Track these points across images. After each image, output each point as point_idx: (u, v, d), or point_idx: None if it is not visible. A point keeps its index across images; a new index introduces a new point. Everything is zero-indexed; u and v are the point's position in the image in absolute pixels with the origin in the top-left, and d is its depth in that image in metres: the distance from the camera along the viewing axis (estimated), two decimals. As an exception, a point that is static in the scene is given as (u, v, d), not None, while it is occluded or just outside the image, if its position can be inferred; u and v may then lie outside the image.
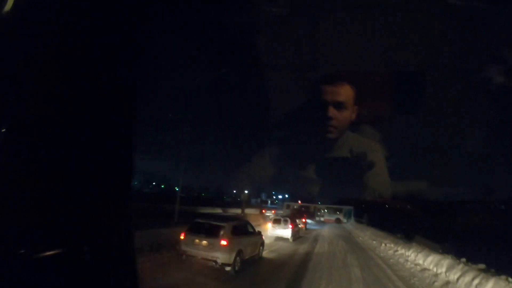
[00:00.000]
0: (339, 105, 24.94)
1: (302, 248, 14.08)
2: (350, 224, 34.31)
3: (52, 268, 1.19)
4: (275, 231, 15.57)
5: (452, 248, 14.28)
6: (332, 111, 25.29)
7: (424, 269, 9.80)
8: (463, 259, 8.76)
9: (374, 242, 17.09)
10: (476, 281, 7.24)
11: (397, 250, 13.32)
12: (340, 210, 40.66)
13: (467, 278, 7.64)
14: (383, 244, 15.43)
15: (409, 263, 11.10)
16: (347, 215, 39.70)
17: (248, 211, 37.76)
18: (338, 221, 38.58)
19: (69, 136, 1.30)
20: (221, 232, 7.68)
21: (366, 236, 20.03)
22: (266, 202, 53.58)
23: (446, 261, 9.06)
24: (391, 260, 12.18)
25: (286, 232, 15.46)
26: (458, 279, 7.90)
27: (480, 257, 9.28)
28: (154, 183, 62.46)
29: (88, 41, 1.37)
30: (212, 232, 7.72)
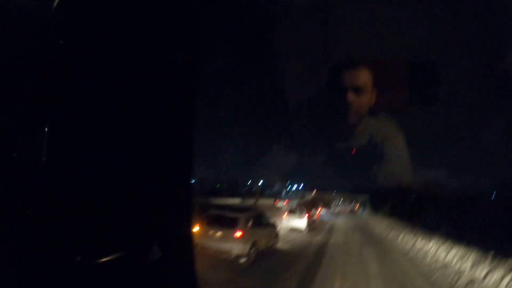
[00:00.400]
0: (358, 90, 25.01)
1: (317, 239, 13.66)
2: (366, 214, 33.59)
3: (114, 272, 1.15)
4: (290, 222, 15.35)
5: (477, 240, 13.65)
6: (351, 96, 25.50)
7: (446, 265, 9.16)
8: (491, 252, 8.06)
9: (391, 234, 16.44)
10: (507, 279, 6.60)
11: (415, 244, 12.67)
12: (356, 200, 39.93)
13: (496, 275, 7.00)
14: (400, 237, 14.78)
15: (429, 258, 10.46)
16: (363, 205, 38.94)
17: (261, 202, 37.53)
18: (353, 210, 37.88)
19: (128, 135, 1.27)
20: (236, 224, 7.60)
21: (383, 227, 19.37)
22: (281, 193, 53.16)
23: (471, 256, 8.39)
24: (409, 255, 11.57)
25: (301, 223, 15.23)
26: (485, 276, 7.26)
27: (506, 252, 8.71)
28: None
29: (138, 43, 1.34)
30: (226, 224, 7.63)
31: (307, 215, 15.44)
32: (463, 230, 17.75)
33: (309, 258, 9.57)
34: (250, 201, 34.01)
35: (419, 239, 12.79)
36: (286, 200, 35.37)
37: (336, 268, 8.50)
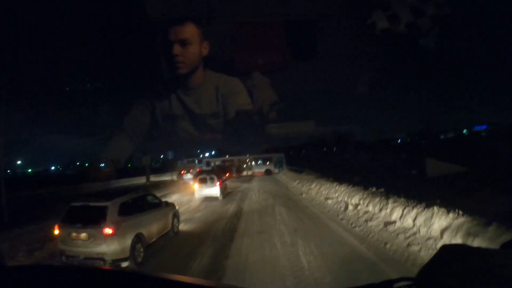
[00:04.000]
0: (183, 42, 27.25)
1: (229, 212, 10.86)
2: (283, 174, 28.65)
3: None
4: (203, 192, 14.59)
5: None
6: (177, 49, 27.20)
7: None
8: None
9: (330, 201, 10.74)
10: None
11: (391, 222, 6.88)
12: (270, 160, 34.90)
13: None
14: (350, 206, 9.06)
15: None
16: (278, 164, 34.12)
17: (160, 177, 31.26)
18: (268, 172, 32.87)
19: None
20: (103, 216, 5.53)
21: (313, 191, 13.75)
22: (193, 162, 47.17)
23: None
24: (393, 248, 5.70)
25: (214, 190, 14.49)
26: None
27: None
28: (78, 163, 58.98)
29: None
30: (91, 218, 5.59)
31: (219, 182, 14.60)
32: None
33: (217, 243, 6.91)
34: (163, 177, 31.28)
35: (388, 207, 7.13)
36: (191, 170, 29.05)
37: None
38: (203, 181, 14.68)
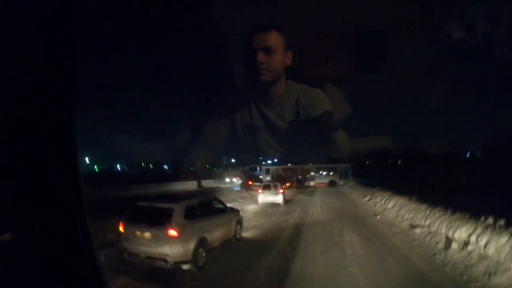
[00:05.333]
0: (268, 50, 26.75)
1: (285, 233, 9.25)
2: (349, 187, 25.70)
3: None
4: (267, 198, 15.50)
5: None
6: (261, 56, 26.54)
7: None
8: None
9: (418, 231, 8.08)
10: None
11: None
12: (334, 170, 32.06)
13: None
14: (454, 244, 6.42)
15: None
16: (344, 176, 31.09)
17: (217, 183, 30.19)
18: (332, 183, 30.08)
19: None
20: (169, 218, 5.60)
21: (390, 212, 11.04)
22: (255, 169, 46.41)
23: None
24: None
25: (277, 198, 15.42)
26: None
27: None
28: (142, 164, 59.14)
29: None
30: (156, 219, 5.66)
31: (282, 191, 15.60)
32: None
33: (281, 250, 6.96)
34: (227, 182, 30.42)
35: None
36: (238, 176, 28.87)
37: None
38: (267, 187, 15.80)
